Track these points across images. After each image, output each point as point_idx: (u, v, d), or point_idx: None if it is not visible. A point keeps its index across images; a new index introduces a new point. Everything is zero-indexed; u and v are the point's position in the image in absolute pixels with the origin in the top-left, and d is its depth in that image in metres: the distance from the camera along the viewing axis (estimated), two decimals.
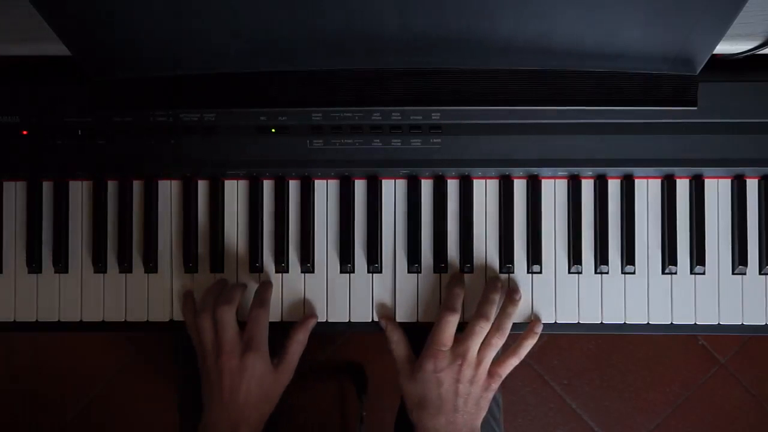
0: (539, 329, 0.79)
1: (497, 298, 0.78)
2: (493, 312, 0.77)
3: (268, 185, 0.81)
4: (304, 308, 0.81)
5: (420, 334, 0.79)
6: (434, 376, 0.74)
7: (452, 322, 0.75)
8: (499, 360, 0.78)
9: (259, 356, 0.75)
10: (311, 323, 0.80)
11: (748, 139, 0.77)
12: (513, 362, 0.78)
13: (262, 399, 0.76)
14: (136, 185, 0.81)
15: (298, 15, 0.66)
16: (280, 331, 0.80)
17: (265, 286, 0.80)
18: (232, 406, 0.74)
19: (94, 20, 0.66)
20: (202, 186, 0.81)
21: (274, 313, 0.80)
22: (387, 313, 0.80)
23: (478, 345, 0.76)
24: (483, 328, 0.76)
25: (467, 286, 0.79)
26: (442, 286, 0.80)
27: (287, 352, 0.78)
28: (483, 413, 0.76)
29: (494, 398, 0.96)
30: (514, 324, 0.78)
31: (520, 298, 0.79)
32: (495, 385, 0.77)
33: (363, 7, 0.64)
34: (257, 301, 0.78)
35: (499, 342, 0.76)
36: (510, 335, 0.78)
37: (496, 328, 0.76)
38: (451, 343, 0.75)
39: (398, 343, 0.78)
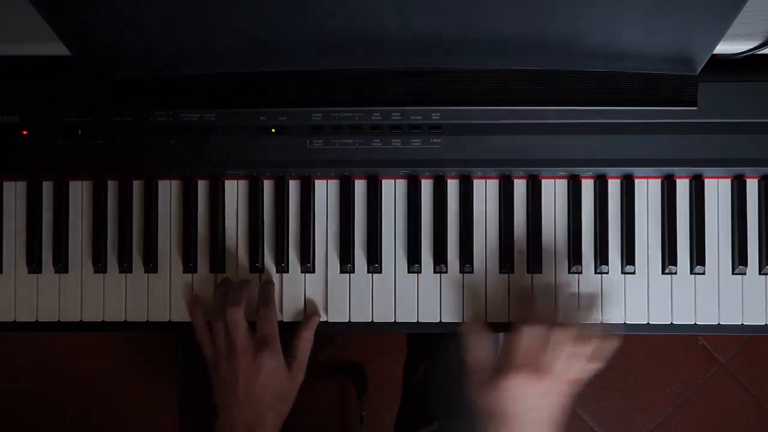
0: (616, 338, 0.76)
1: (576, 304, 0.77)
2: (573, 318, 0.75)
3: (268, 185, 0.81)
4: (305, 308, 0.81)
5: (421, 334, 0.79)
6: (511, 390, 0.70)
7: (533, 332, 0.72)
8: (579, 368, 0.74)
9: (274, 355, 0.75)
10: (315, 321, 0.80)
11: (748, 139, 0.77)
12: (593, 369, 0.74)
13: (278, 399, 0.76)
14: (136, 185, 0.81)
15: (298, 15, 0.66)
16: (281, 331, 0.79)
17: (268, 285, 0.80)
18: (248, 406, 0.74)
19: (94, 20, 0.66)
20: (202, 186, 0.81)
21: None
22: (479, 313, 0.79)
23: (562, 354, 0.72)
24: (564, 336, 0.72)
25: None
26: (442, 286, 0.80)
27: (297, 351, 0.78)
28: (559, 423, 0.73)
29: None
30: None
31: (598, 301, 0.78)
32: (573, 392, 0.74)
33: (363, 7, 0.64)
34: (263, 301, 0.78)
35: (582, 351, 0.73)
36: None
37: (578, 337, 0.73)
38: (531, 354, 0.71)
39: (475, 352, 0.75)
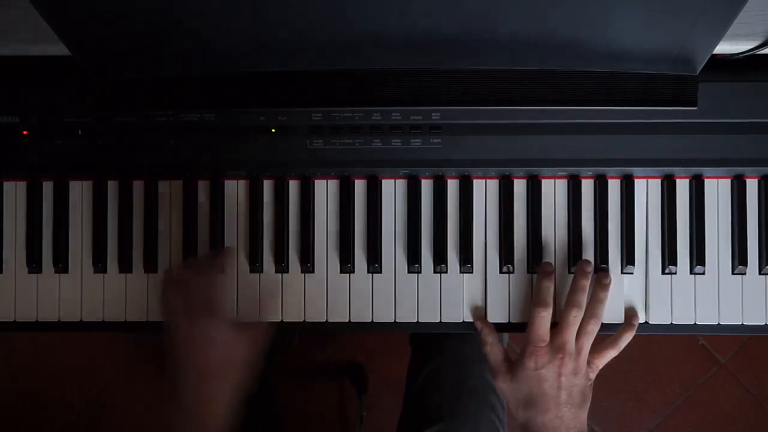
0: (637, 322, 0.79)
1: (587, 285, 0.77)
2: (585, 299, 0.77)
3: (268, 185, 0.81)
4: (305, 308, 0.81)
5: (424, 335, 0.79)
6: (536, 373, 0.74)
7: (546, 317, 0.75)
8: (596, 351, 0.77)
9: (214, 320, 0.72)
10: (228, 254, 0.77)
11: (748, 139, 0.77)
12: (611, 354, 0.77)
13: (223, 364, 0.72)
14: (136, 185, 0.81)
15: (298, 15, 0.66)
16: (280, 332, 0.79)
17: (220, 251, 0.76)
18: (190, 374, 0.71)
19: (94, 20, 0.66)
20: (202, 186, 0.81)
21: (274, 314, 0.80)
22: (481, 314, 0.80)
23: (575, 335, 0.75)
24: (577, 317, 0.75)
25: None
26: (442, 286, 0.80)
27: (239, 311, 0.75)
28: (588, 404, 0.76)
29: (499, 399, 0.96)
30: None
31: (609, 282, 0.78)
32: (593, 375, 0.76)
33: (363, 7, 0.64)
34: (207, 266, 0.75)
35: (595, 329, 0.76)
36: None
37: (590, 315, 0.76)
38: (548, 337, 0.75)
39: (494, 345, 0.78)
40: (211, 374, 0.72)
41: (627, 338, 0.78)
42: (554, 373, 0.74)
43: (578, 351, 0.75)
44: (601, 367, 0.77)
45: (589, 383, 0.76)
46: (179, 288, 0.74)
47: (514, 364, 0.77)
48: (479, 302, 0.80)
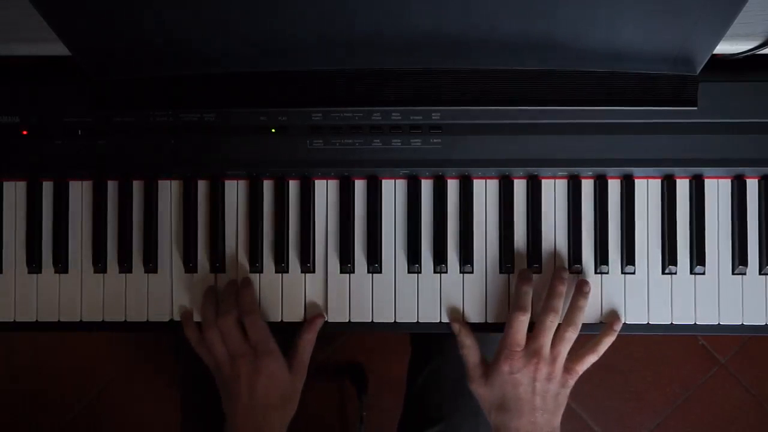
0: (618, 327, 0.78)
1: (564, 291, 0.77)
2: (561, 304, 0.76)
3: (268, 185, 0.81)
4: (305, 308, 0.81)
5: (425, 335, 0.79)
6: (511, 377, 0.74)
7: (524, 321, 0.75)
8: (576, 356, 0.77)
9: (272, 357, 0.76)
10: (319, 322, 0.80)
11: (748, 139, 0.77)
12: (591, 359, 0.77)
13: (282, 400, 0.77)
14: (136, 185, 0.81)
15: (298, 15, 0.66)
16: (280, 332, 0.79)
17: (243, 291, 0.78)
18: (252, 410, 0.75)
19: (93, 20, 0.66)
20: (202, 186, 0.81)
21: (274, 314, 0.80)
22: (459, 316, 0.80)
23: (551, 340, 0.75)
24: (553, 323, 0.75)
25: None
26: (442, 286, 0.80)
27: (297, 352, 0.79)
28: (562, 410, 0.76)
29: None
30: None
31: (589, 290, 0.78)
32: (572, 381, 0.76)
33: (363, 8, 0.64)
34: (243, 310, 0.77)
35: (573, 336, 0.76)
36: None
37: (568, 322, 0.76)
38: (524, 342, 0.75)
39: (471, 348, 0.78)
40: (272, 408, 0.76)
41: (607, 343, 0.78)
42: (529, 377, 0.74)
43: (554, 357, 0.75)
44: (581, 372, 0.77)
45: (565, 389, 0.76)
46: (226, 336, 0.76)
47: (488, 367, 0.77)
48: (479, 302, 0.80)
